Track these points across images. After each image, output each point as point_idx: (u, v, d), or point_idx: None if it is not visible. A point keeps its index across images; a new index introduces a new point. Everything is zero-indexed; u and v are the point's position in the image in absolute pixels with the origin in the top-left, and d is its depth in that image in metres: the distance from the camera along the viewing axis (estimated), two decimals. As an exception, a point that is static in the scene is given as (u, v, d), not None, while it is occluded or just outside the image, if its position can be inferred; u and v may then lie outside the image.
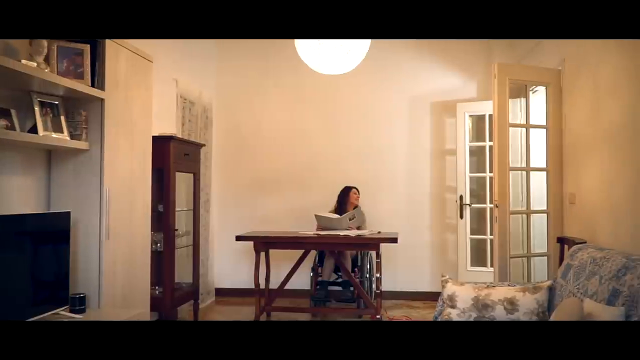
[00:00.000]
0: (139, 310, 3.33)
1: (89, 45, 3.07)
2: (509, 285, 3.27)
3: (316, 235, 5.06)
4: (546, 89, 4.33)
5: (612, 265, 2.60)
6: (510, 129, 4.22)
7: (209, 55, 6.35)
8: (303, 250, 5.31)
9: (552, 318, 2.52)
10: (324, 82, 6.12)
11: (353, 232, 5.11)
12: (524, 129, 4.58)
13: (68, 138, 2.99)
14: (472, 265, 5.97)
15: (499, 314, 2.99)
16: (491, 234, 5.72)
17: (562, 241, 3.97)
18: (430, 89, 6.24)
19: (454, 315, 3.09)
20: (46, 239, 2.83)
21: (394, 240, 4.84)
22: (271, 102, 6.47)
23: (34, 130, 2.79)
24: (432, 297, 5.78)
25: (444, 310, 3.20)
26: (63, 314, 2.85)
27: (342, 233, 5.06)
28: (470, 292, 3.12)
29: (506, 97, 4.13)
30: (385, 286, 5.54)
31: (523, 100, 4.86)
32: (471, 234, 6.00)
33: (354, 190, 5.79)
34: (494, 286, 3.23)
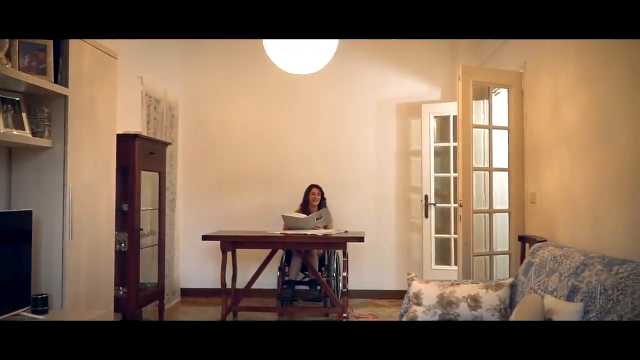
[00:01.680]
0: (103, 310, 3.29)
1: (52, 41, 3.01)
2: (472, 283, 3.35)
3: (283, 235, 5.07)
4: (508, 91, 4.44)
5: (571, 262, 2.69)
6: (474, 130, 4.31)
7: (175, 52, 6.29)
8: (270, 250, 5.30)
9: (514, 314, 2.59)
10: (291, 83, 6.14)
11: (320, 232, 5.13)
12: (486, 130, 4.69)
13: (30, 135, 2.92)
14: (436, 263, 6.07)
15: (463, 310, 3.06)
16: (455, 233, 5.83)
17: (524, 240, 4.08)
18: (395, 91, 6.31)
19: (419, 312, 3.14)
20: (7, 239, 2.76)
21: (360, 239, 4.88)
22: (238, 101, 6.45)
23: (-6, 127, 2.72)
24: (397, 295, 5.86)
25: (409, 307, 3.25)
26: (25, 314, 2.78)
27: (309, 232, 5.07)
28: (435, 290, 3.18)
29: (470, 99, 4.21)
30: (352, 285, 5.58)
31: (486, 102, 4.97)
32: (435, 233, 6.10)
33: (313, 190, 5.80)
34: (458, 284, 3.31)
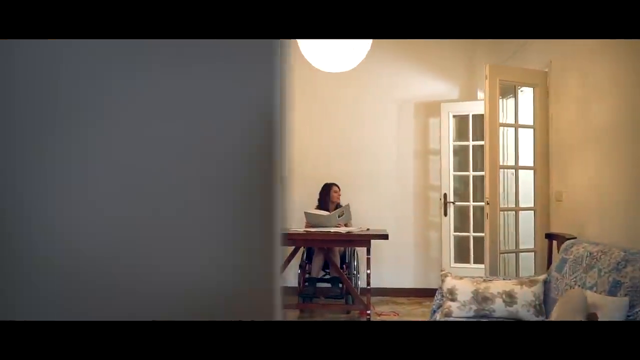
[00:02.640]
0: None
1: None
2: (504, 279, 3.38)
3: (306, 232, 5.10)
4: (533, 89, 4.47)
5: (610, 258, 2.72)
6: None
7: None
8: (293, 248, 5.33)
9: (556, 308, 2.63)
10: (309, 80, 6.15)
11: (343, 229, 5.16)
12: (509, 129, 4.72)
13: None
14: (455, 262, 6.09)
15: (499, 306, 3.09)
16: (474, 232, 5.86)
17: (551, 237, 4.11)
18: (414, 90, 6.33)
19: (454, 308, 3.18)
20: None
21: (384, 236, 4.91)
22: (257, 99, 6.46)
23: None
24: (416, 293, 5.91)
25: (444, 303, 3.29)
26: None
27: (332, 230, 5.10)
28: (469, 286, 3.21)
29: (497, 97, 4.25)
30: (371, 283, 5.61)
31: (507, 100, 5.00)
32: (454, 231, 6.12)
33: (334, 188, 5.82)
34: (490, 280, 3.34)
